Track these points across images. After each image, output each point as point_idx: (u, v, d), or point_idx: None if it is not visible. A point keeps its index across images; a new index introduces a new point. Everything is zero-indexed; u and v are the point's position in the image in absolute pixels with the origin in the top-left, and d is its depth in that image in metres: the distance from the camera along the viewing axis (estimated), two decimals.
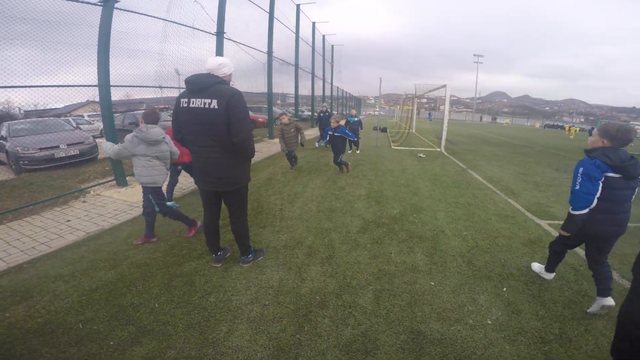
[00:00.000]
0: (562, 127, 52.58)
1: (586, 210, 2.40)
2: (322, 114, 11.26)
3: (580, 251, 3.63)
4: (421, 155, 10.33)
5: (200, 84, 2.55)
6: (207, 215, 3.01)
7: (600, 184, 2.35)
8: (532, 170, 8.71)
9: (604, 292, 2.53)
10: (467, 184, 6.71)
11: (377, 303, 2.62)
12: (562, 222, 2.69)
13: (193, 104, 2.56)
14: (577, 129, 32.89)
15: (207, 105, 2.53)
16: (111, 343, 2.18)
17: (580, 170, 2.40)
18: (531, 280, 3.02)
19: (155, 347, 2.14)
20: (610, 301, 2.49)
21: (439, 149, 12.05)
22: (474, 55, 60.62)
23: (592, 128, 26.83)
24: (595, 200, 2.37)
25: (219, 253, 3.17)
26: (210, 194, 2.91)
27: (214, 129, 2.57)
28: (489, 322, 2.43)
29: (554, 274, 3.09)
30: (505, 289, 2.88)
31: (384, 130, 19.49)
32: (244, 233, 3.09)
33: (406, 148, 12.52)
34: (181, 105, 2.64)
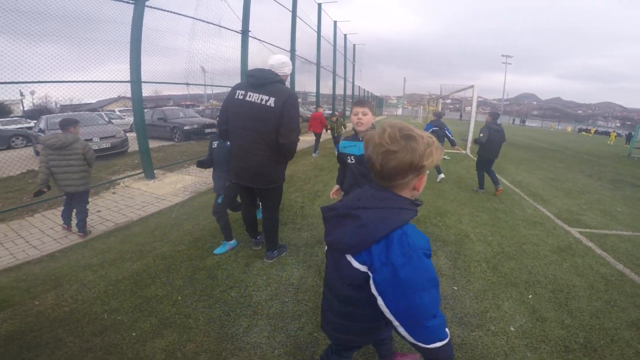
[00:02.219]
0: (587, 131, 49.67)
1: None
2: (212, 144, 3.42)
3: (612, 261, 3.46)
4: (445, 157, 10.11)
5: (262, 79, 2.57)
6: (244, 209, 3.16)
7: (431, 130, 6.51)
8: (563, 176, 8.34)
9: (439, 171, 6.96)
10: (493, 188, 6.50)
11: None
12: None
13: (250, 97, 2.57)
14: (615, 135, 31.12)
15: (263, 102, 2.54)
16: (133, 334, 2.23)
17: (426, 127, 6.97)
18: (559, 289, 2.90)
19: (176, 339, 2.18)
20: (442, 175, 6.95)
21: (464, 152, 11.74)
22: (502, 55, 58.47)
23: (629, 133, 25.51)
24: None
25: (258, 237, 3.36)
26: (246, 189, 2.96)
27: (264, 126, 2.58)
28: (512, 329, 2.36)
29: (442, 174, 6.98)
30: (530, 296, 2.78)
31: None
32: (275, 229, 3.14)
33: None
34: (236, 96, 2.64)
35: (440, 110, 7.09)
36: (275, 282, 2.84)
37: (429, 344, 1.00)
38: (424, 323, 0.98)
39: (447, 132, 6.94)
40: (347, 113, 24.29)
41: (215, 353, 2.07)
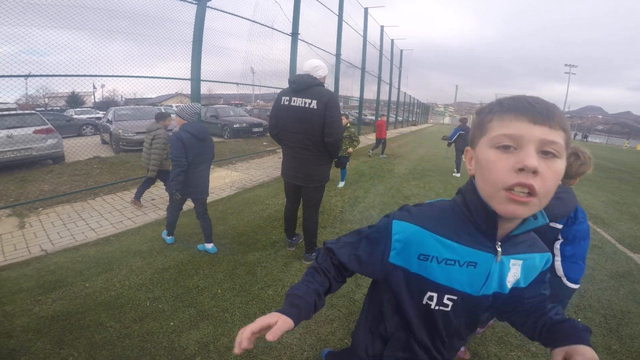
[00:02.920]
0: None
1: (453, 140, 8.01)
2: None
3: None
4: None
5: (303, 84, 2.75)
6: (288, 206, 3.28)
7: (458, 134, 7.85)
8: (629, 200, 7.52)
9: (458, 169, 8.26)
10: None
11: None
12: None
13: (294, 102, 2.77)
14: None
15: (307, 105, 2.72)
16: (171, 324, 2.31)
17: (455, 130, 8.00)
18: (611, 314, 2.69)
19: (211, 332, 2.24)
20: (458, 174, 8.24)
21: None
22: (565, 65, 53.74)
23: None
24: (456, 137, 7.90)
25: (293, 238, 3.47)
26: (294, 187, 3.12)
27: (310, 128, 2.76)
28: None
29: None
30: (580, 319, 2.59)
31: None
32: (314, 230, 3.21)
33: None
34: (282, 102, 2.85)
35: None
36: None
37: (573, 282, 1.69)
38: (580, 262, 1.68)
39: None
40: (391, 119, 23.76)
41: (246, 350, 2.11)
